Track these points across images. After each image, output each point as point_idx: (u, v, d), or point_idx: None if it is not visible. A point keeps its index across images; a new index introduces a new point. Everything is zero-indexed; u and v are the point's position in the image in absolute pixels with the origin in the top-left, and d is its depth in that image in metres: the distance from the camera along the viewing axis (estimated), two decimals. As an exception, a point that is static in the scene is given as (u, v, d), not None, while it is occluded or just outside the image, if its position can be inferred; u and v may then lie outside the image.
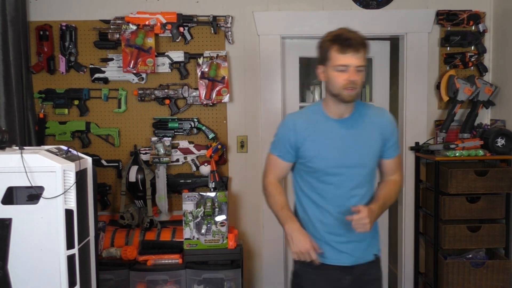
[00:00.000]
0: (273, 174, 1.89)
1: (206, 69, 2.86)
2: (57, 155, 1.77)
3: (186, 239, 2.62)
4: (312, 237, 1.78)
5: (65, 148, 1.90)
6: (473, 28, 2.97)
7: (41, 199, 1.69)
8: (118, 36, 2.82)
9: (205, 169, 2.85)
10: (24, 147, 1.75)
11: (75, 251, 1.75)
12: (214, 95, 2.87)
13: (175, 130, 2.92)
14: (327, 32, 1.78)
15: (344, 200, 1.78)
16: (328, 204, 1.80)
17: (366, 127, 1.81)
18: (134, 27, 2.79)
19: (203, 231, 2.62)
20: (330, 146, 1.77)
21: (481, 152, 2.77)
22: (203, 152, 2.91)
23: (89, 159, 1.98)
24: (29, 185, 1.68)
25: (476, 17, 2.94)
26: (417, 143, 3.03)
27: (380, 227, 3.25)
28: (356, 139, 1.79)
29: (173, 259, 2.62)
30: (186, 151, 2.92)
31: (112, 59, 2.88)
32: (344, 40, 1.68)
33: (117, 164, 2.92)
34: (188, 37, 2.88)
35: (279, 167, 1.88)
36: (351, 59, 1.67)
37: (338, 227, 1.79)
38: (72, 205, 1.73)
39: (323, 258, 1.80)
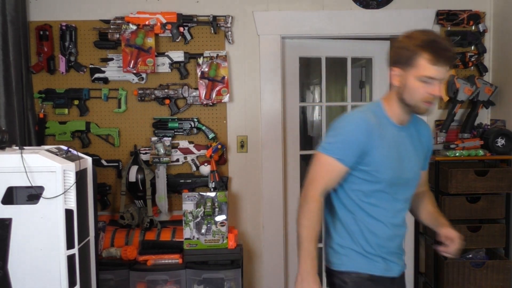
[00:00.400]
0: (324, 183, 1.61)
1: (206, 69, 2.86)
2: (57, 155, 1.77)
3: (186, 239, 2.62)
4: (362, 249, 1.66)
5: (65, 148, 1.90)
6: (473, 28, 2.97)
7: (41, 199, 1.69)
8: (118, 36, 2.82)
9: (205, 169, 2.85)
10: (24, 147, 1.75)
11: (75, 251, 1.75)
12: (214, 95, 2.87)
13: (175, 130, 2.92)
14: (409, 31, 1.59)
15: (396, 213, 1.69)
16: (383, 215, 1.66)
17: (419, 138, 1.73)
18: (134, 27, 2.79)
19: (203, 231, 2.62)
20: (395, 155, 1.62)
21: (481, 152, 2.77)
22: (203, 152, 2.91)
23: (89, 159, 1.98)
24: (29, 185, 1.68)
25: (476, 17, 2.94)
26: (417, 143, 3.03)
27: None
28: (413, 149, 1.69)
29: (173, 259, 2.62)
30: (186, 151, 2.92)
31: (112, 59, 2.88)
32: (441, 50, 1.50)
33: (117, 164, 2.92)
34: (188, 37, 2.88)
35: (336, 174, 1.61)
36: (440, 72, 1.51)
37: (389, 239, 1.69)
38: (72, 205, 1.73)
39: (376, 270, 1.67)
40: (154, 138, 2.88)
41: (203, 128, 2.93)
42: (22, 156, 1.67)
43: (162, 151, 2.84)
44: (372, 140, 1.58)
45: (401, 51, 1.57)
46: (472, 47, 2.98)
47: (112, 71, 2.88)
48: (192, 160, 2.93)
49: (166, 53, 2.88)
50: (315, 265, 1.59)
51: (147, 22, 2.82)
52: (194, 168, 2.94)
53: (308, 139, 5.00)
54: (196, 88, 2.90)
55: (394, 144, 1.63)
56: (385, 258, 1.68)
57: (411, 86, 1.55)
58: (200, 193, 2.66)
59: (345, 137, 1.61)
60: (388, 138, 1.61)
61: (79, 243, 1.78)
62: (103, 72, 2.88)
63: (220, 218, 2.63)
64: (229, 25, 2.89)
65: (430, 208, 1.84)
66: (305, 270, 1.58)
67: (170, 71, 2.90)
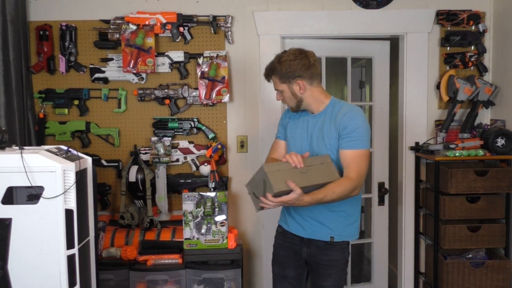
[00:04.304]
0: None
1: (206, 69, 2.86)
2: (57, 155, 1.77)
3: (186, 239, 2.63)
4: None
5: (65, 148, 1.90)
6: (473, 28, 2.97)
7: (41, 199, 1.69)
8: (118, 36, 2.82)
9: (205, 169, 2.85)
10: (24, 147, 1.75)
11: (75, 251, 1.75)
12: (214, 95, 2.87)
13: (175, 130, 2.92)
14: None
15: None
16: None
17: (329, 123, 2.03)
18: (134, 27, 2.79)
19: (203, 231, 2.62)
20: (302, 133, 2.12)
21: (481, 152, 2.77)
22: (203, 152, 2.91)
23: (89, 159, 1.98)
24: (29, 185, 1.68)
25: (476, 17, 2.94)
26: (417, 143, 3.03)
27: (379, 227, 3.28)
28: (320, 130, 2.05)
29: (173, 259, 2.62)
30: (186, 151, 2.92)
31: (112, 59, 2.88)
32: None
33: (117, 164, 2.92)
34: (188, 37, 2.88)
35: None
36: (274, 85, 2.13)
37: None
38: (72, 205, 1.73)
39: (287, 226, 2.16)
40: (154, 138, 2.89)
41: (203, 128, 2.93)
42: (22, 156, 1.67)
43: (162, 151, 2.84)
44: None
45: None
46: (472, 47, 2.98)
47: (112, 71, 2.88)
48: (192, 160, 2.93)
49: (166, 53, 2.88)
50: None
51: (147, 22, 2.82)
52: (194, 168, 2.94)
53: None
54: (196, 88, 2.90)
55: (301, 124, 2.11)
56: (293, 217, 2.12)
57: None
58: (200, 193, 2.66)
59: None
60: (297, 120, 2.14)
61: (79, 243, 1.78)
62: (103, 72, 2.89)
63: (220, 218, 2.63)
64: (229, 25, 2.89)
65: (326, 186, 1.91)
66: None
67: (170, 71, 2.90)
